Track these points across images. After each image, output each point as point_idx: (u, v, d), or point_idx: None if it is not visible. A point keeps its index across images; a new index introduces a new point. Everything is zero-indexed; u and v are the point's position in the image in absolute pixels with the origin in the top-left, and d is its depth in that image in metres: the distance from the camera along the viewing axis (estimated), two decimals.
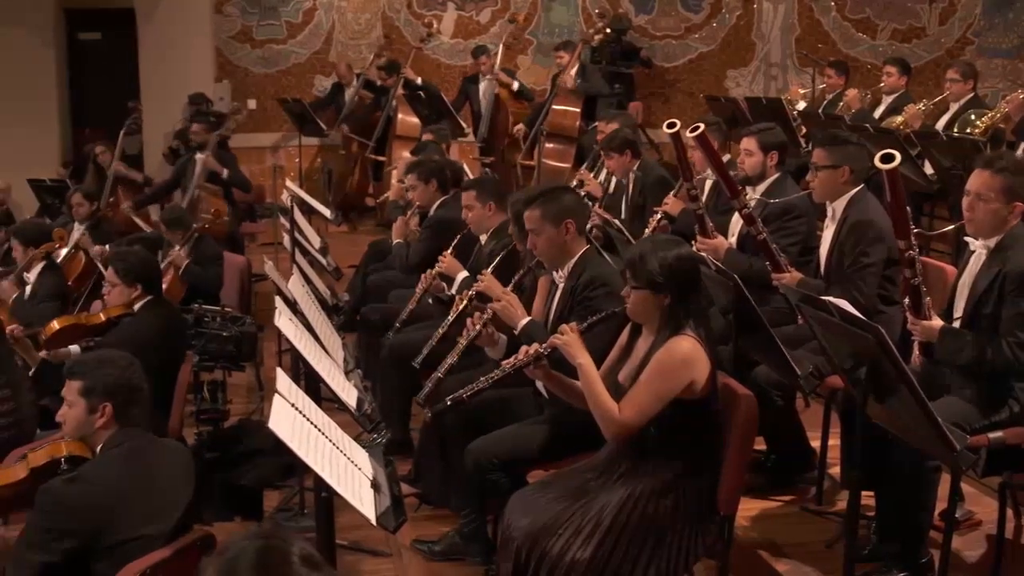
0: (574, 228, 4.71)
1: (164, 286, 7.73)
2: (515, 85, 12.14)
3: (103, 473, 3.62)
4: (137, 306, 5.69)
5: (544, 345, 4.06)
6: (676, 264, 3.86)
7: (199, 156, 10.14)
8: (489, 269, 5.43)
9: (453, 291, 5.90)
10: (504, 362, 4.18)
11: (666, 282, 3.84)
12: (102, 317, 5.76)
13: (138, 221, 9.97)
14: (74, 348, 5.85)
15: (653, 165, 7.96)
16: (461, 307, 5.18)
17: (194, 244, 7.97)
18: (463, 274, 6.01)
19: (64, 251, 7.99)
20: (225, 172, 10.17)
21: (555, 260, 4.79)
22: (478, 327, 4.74)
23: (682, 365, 3.79)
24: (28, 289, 7.11)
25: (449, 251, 6.17)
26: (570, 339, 3.97)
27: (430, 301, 6.25)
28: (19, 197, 11.48)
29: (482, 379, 4.20)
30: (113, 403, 3.72)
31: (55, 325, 5.86)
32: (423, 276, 6.13)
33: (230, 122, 10.83)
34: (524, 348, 4.13)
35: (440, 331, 5.28)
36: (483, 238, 6.28)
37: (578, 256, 4.73)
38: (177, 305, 7.57)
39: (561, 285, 4.75)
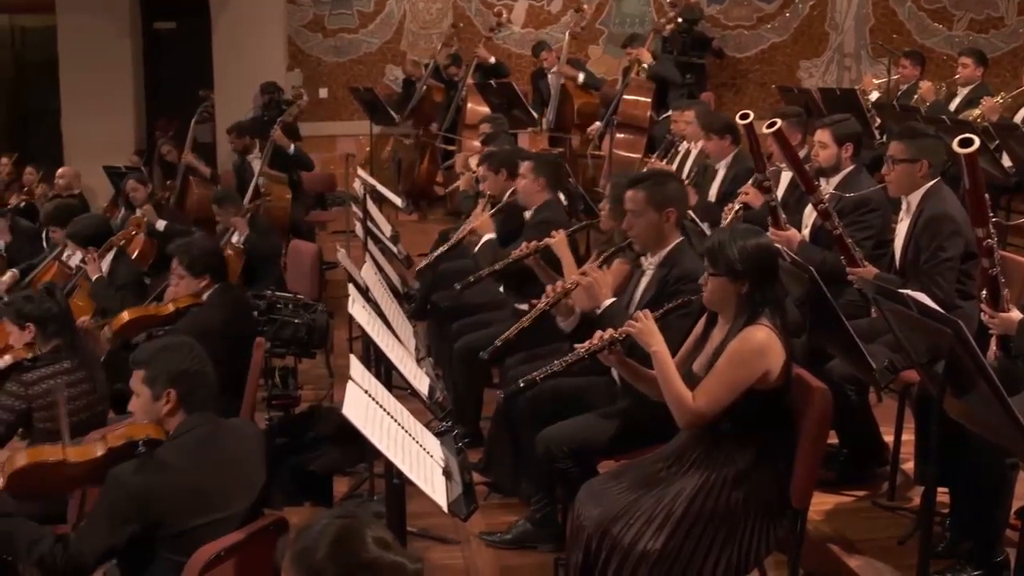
0: (674, 218, 4.69)
1: None
2: (580, 77, 12.06)
3: (171, 463, 3.63)
4: (206, 295, 5.75)
5: (619, 331, 4.05)
6: (755, 252, 3.86)
7: (250, 157, 10.30)
8: (566, 232, 5.51)
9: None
10: (578, 346, 4.16)
11: (745, 269, 3.83)
12: (171, 307, 5.78)
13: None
14: None
15: (747, 156, 7.91)
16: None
17: (250, 220, 8.20)
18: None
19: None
20: (292, 146, 10.34)
21: (648, 245, 4.75)
22: (559, 294, 4.68)
23: (757, 355, 3.78)
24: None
25: (488, 213, 6.43)
26: (645, 326, 3.96)
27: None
28: (95, 184, 11.64)
29: (556, 362, 4.17)
30: (177, 389, 3.74)
31: (125, 316, 5.86)
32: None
33: (293, 108, 10.91)
34: (599, 333, 4.10)
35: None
36: (527, 214, 6.39)
37: (671, 247, 4.69)
38: (238, 279, 7.75)
39: (650, 271, 4.72)
